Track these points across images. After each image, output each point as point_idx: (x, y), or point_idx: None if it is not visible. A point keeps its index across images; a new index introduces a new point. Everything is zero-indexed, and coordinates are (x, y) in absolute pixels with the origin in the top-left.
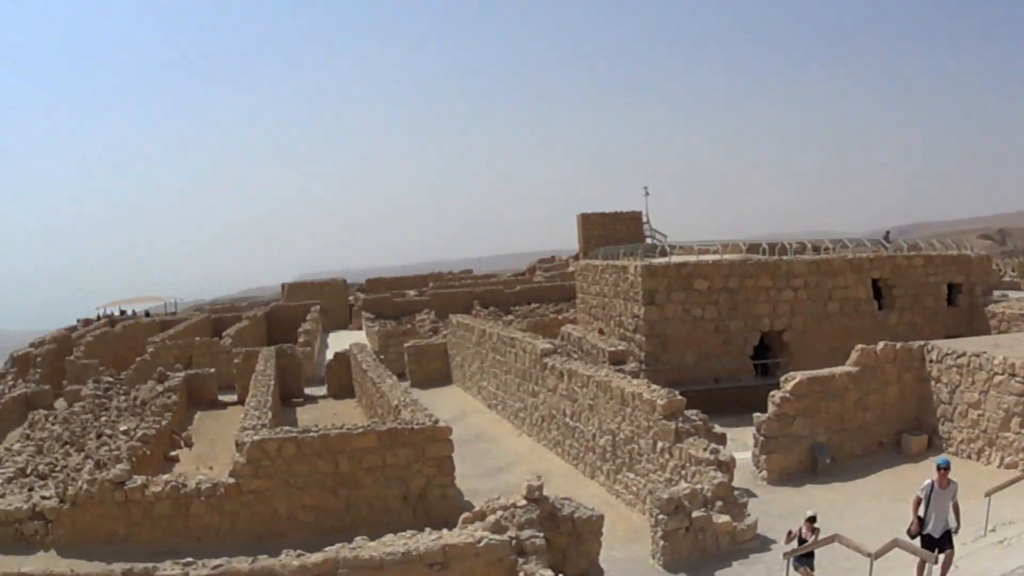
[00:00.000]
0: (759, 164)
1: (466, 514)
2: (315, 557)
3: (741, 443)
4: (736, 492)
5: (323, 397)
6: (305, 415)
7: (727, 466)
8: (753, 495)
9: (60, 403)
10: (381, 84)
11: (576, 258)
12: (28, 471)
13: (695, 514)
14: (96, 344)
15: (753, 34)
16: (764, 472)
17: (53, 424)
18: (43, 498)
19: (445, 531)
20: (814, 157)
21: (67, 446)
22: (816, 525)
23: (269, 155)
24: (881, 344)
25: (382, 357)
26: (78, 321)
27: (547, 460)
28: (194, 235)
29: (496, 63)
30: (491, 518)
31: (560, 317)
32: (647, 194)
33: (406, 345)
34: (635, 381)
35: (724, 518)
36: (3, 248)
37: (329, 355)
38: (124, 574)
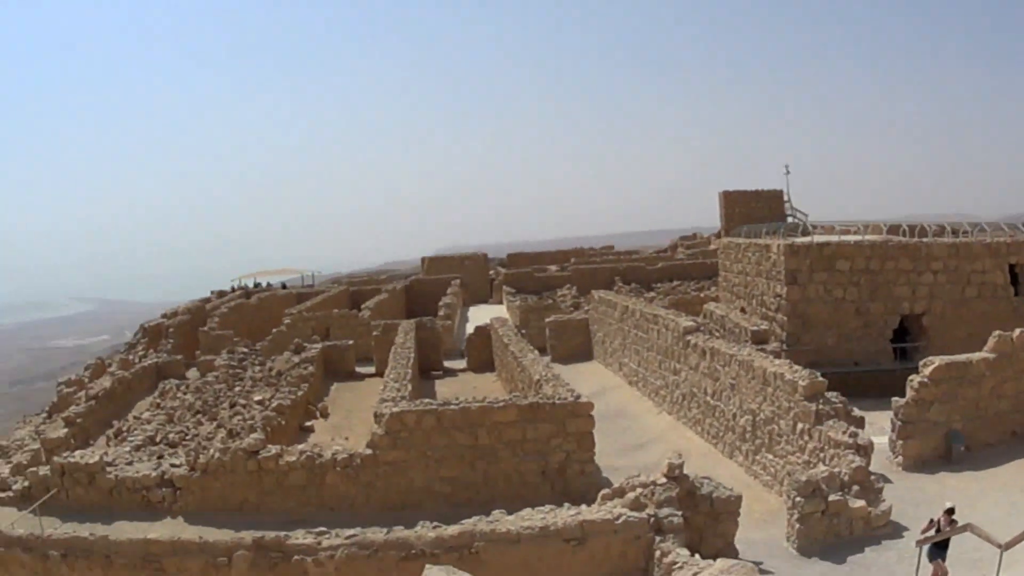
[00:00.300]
0: (896, 145)
1: (605, 491)
2: (451, 529)
3: (878, 427)
4: (872, 477)
5: (463, 371)
6: (444, 388)
7: (865, 450)
8: (888, 481)
9: (192, 373)
10: (523, 59)
11: (718, 236)
12: (157, 439)
13: (831, 498)
14: (231, 315)
15: (894, 25)
16: (900, 458)
17: (185, 393)
18: (172, 466)
19: (583, 507)
20: (951, 139)
21: (199, 415)
22: (954, 518)
23: (411, 129)
24: (1018, 331)
25: (523, 332)
26: (212, 293)
27: (686, 438)
28: (334, 208)
29: (639, 39)
30: (631, 495)
31: (702, 295)
32: (788, 172)
33: (547, 320)
34: (777, 361)
35: (859, 503)
36: (139, 222)
37: (469, 329)
38: (255, 542)
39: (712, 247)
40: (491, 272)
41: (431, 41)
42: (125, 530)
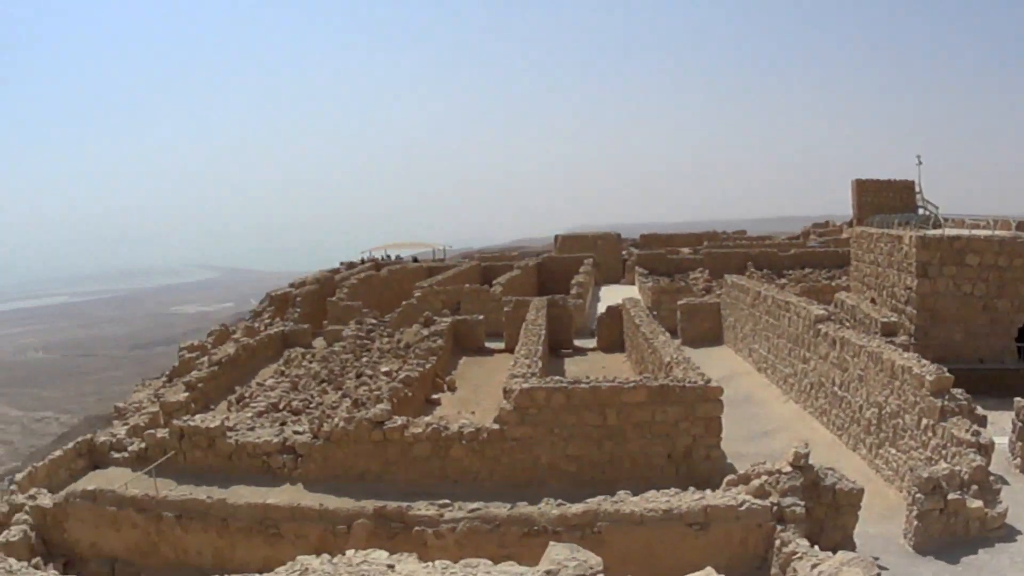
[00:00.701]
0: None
1: (731, 476)
2: (575, 508)
3: (999, 427)
4: (991, 478)
5: (592, 350)
6: (573, 366)
7: (987, 449)
8: (1005, 482)
9: (318, 342)
10: (661, 38)
11: (850, 224)
12: (280, 406)
13: (951, 496)
14: (360, 287)
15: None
16: (1018, 460)
17: (310, 362)
18: (295, 433)
19: (708, 492)
20: None
21: (324, 384)
22: None
23: (545, 106)
24: None
25: (655, 313)
26: (341, 264)
27: (811, 428)
28: (467, 184)
29: (775, 25)
30: (755, 482)
31: (833, 284)
32: (920, 163)
33: (679, 303)
34: (905, 355)
35: (977, 503)
36: (272, 196)
37: (601, 308)
38: (376, 511)
39: (844, 235)
40: (624, 252)
41: (568, 18)
42: (243, 494)
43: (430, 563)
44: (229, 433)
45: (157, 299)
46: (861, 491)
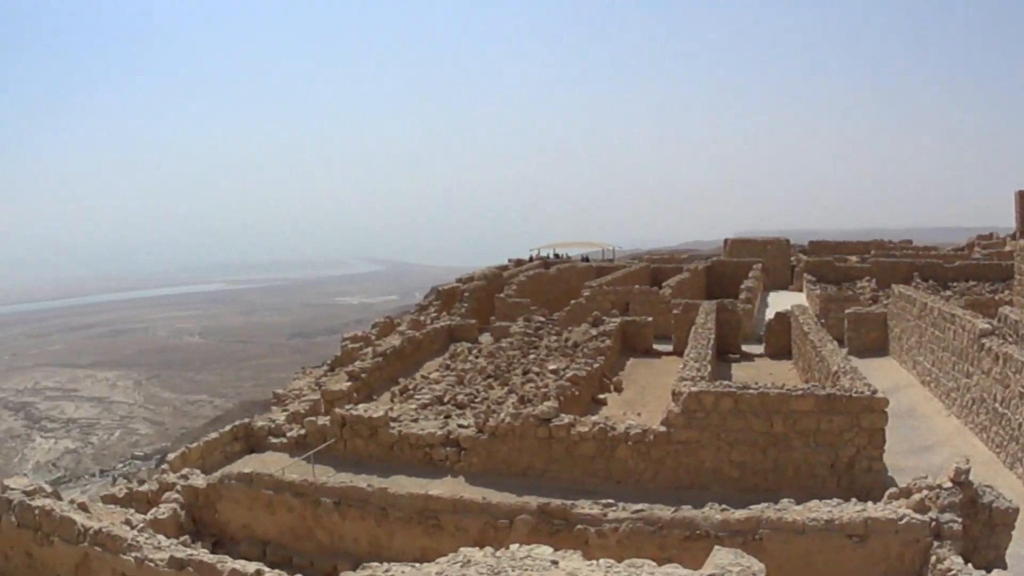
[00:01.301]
0: None
1: (892, 490)
2: (738, 513)
3: None
4: None
5: (759, 356)
6: (740, 372)
7: None
8: None
9: (484, 338)
10: (827, 47)
11: (1013, 237)
12: (445, 399)
13: None
14: (528, 284)
15: None
16: None
17: (477, 357)
18: (460, 426)
19: (869, 504)
20: None
21: (490, 379)
22: None
23: (717, 110)
24: None
25: (822, 321)
26: (510, 261)
27: (970, 444)
28: (636, 185)
29: (942, 27)
30: (916, 496)
31: (996, 297)
32: None
33: (846, 312)
34: None
35: None
36: (440, 190)
37: (768, 314)
38: (539, 507)
39: (1007, 248)
40: (792, 258)
41: (745, 21)
42: (403, 484)
43: (594, 561)
44: (392, 423)
45: (320, 289)
46: (1016, 510)
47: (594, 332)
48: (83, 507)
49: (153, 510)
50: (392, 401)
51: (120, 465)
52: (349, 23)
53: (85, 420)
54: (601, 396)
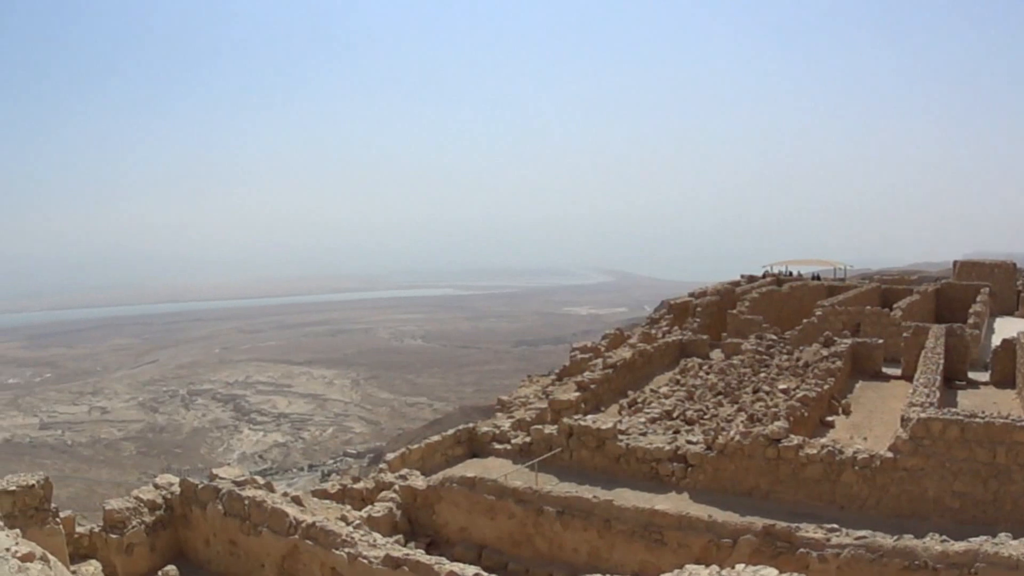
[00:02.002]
0: None
1: None
2: (957, 546)
3: None
4: None
5: (984, 383)
6: (965, 400)
7: None
8: None
9: (715, 354)
10: None
11: None
12: (674, 414)
13: None
14: (761, 301)
15: None
16: None
17: (708, 373)
18: (688, 442)
19: None
20: None
21: (720, 396)
22: None
23: (947, 125)
24: None
25: None
26: (742, 277)
27: None
28: (870, 201)
29: None
30: None
31: None
32: None
33: None
34: None
35: None
36: (668, 202)
37: (995, 341)
38: (764, 528)
39: None
40: (1019, 283)
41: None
42: (628, 498)
43: None
44: (620, 436)
45: (548, 298)
46: None
47: (825, 352)
48: (296, 500)
49: (368, 508)
50: (620, 413)
51: (331, 461)
52: (598, 25)
53: (297, 415)
54: (829, 418)
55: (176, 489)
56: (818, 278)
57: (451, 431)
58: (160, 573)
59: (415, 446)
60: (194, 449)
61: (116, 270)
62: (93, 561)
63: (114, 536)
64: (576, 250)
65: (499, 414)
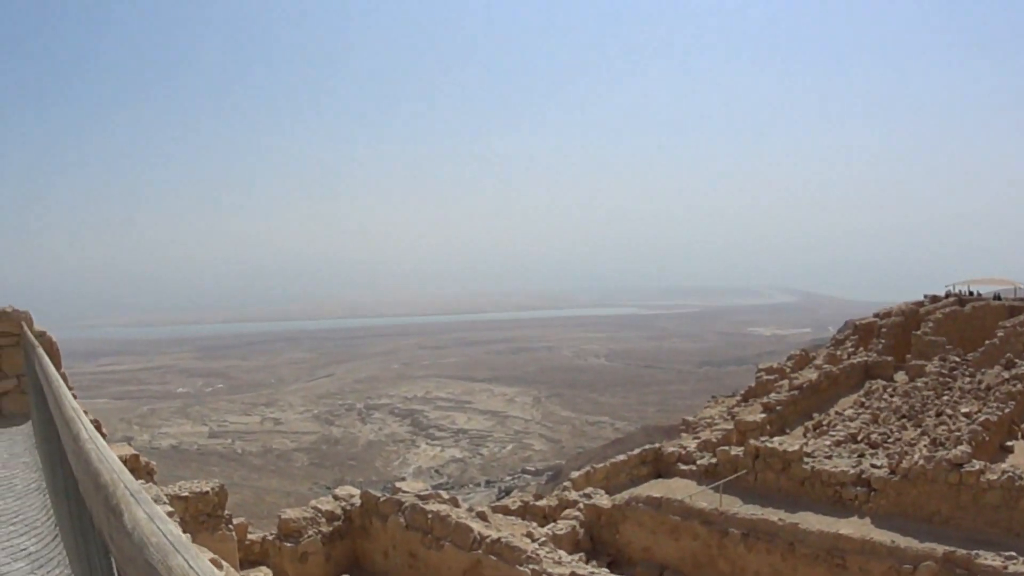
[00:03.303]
0: None
1: None
2: None
3: None
4: None
5: None
6: None
7: None
8: None
9: (900, 376)
10: None
11: None
12: (859, 438)
13: None
14: (944, 322)
15: None
16: None
17: (891, 396)
18: (872, 466)
19: None
20: None
21: (903, 419)
22: None
23: None
24: None
25: None
26: (925, 297)
27: None
28: None
29: None
30: None
31: None
32: None
33: None
34: None
35: None
36: (853, 221)
37: None
38: (945, 555)
39: None
40: None
41: None
42: (812, 521)
43: None
44: (806, 459)
45: (732, 318)
46: None
47: (1006, 375)
48: (481, 516)
49: (551, 525)
50: (805, 436)
51: (508, 478)
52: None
53: (476, 432)
54: (1009, 443)
55: (356, 501)
56: (999, 298)
57: (636, 451)
58: None
59: (600, 465)
60: (369, 462)
61: (295, 282)
62: (263, 568)
63: (288, 544)
64: (760, 269)
65: (684, 434)
